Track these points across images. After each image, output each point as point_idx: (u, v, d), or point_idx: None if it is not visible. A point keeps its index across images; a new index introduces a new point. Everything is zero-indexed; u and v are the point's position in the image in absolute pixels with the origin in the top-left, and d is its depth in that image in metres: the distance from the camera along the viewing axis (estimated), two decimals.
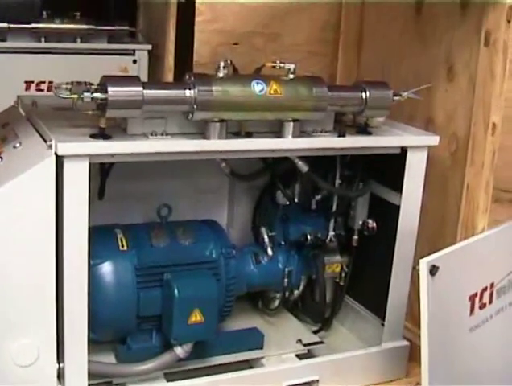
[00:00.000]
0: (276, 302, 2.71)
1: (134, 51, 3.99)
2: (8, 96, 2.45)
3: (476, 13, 2.44)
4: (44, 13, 3.94)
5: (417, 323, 2.02)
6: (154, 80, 3.85)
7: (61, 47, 3.89)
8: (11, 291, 1.92)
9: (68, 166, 1.90)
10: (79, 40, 3.95)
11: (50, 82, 3.74)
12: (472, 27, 2.46)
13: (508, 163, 2.43)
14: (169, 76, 3.80)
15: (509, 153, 2.42)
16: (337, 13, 3.14)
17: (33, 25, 3.87)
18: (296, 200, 2.62)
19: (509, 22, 2.33)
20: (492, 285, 2.19)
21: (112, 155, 2.00)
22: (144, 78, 3.95)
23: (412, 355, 2.55)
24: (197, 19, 2.98)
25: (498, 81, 2.36)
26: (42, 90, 3.79)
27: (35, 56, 3.82)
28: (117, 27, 4.10)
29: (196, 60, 2.99)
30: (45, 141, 1.94)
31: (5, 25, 3.79)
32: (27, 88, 3.80)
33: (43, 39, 3.89)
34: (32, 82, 3.80)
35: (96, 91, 1.95)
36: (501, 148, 2.41)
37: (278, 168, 2.52)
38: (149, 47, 4.01)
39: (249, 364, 2.48)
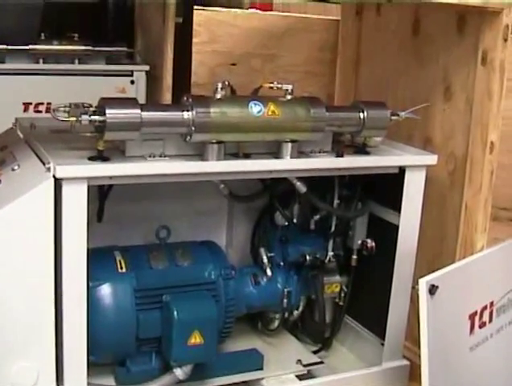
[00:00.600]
0: (276, 323, 2.70)
1: (132, 71, 4.00)
2: (6, 118, 2.45)
3: (473, 32, 2.45)
4: (42, 34, 3.95)
5: (417, 343, 2.01)
6: (153, 101, 3.86)
7: (59, 68, 3.89)
8: (10, 314, 1.92)
9: (66, 188, 1.91)
10: (77, 61, 3.95)
11: (48, 103, 3.75)
12: (469, 47, 2.47)
13: (506, 181, 2.43)
14: (167, 97, 3.81)
15: (507, 171, 2.42)
16: (335, 34, 3.16)
17: (31, 46, 3.88)
18: (295, 221, 2.61)
19: (505, 41, 2.34)
20: (491, 303, 2.19)
21: (110, 177, 2.00)
22: (142, 99, 3.95)
23: (412, 374, 2.54)
24: (195, 40, 3.00)
25: (496, 100, 2.36)
26: (40, 111, 3.80)
27: (34, 78, 3.83)
28: (115, 48, 4.11)
29: (193, 81, 3.00)
30: (43, 164, 1.95)
31: (3, 47, 3.80)
32: (26, 110, 3.80)
33: (41, 61, 3.90)
34: (30, 103, 3.81)
35: (94, 113, 1.96)
36: (499, 166, 2.41)
37: (276, 189, 2.51)
38: (147, 67, 4.02)
39: (248, 385, 2.47)
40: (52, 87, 3.75)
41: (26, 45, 3.87)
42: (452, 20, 2.55)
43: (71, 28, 4.05)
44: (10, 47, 3.83)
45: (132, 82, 3.97)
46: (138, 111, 1.99)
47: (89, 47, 3.99)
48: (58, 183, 1.90)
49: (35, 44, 3.89)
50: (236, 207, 2.70)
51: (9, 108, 3.50)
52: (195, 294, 2.32)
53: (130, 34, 4.39)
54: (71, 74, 3.90)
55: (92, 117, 1.95)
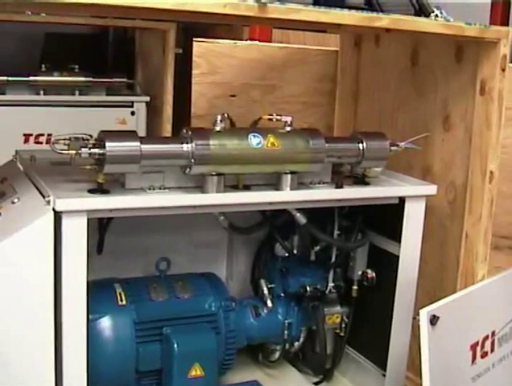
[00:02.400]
0: (276, 354, 2.69)
1: (132, 102, 4.03)
2: (7, 149, 2.45)
3: (471, 62, 2.46)
4: (43, 66, 3.98)
5: (418, 373, 2.00)
6: (153, 132, 3.88)
7: (60, 99, 3.92)
8: (10, 347, 1.90)
9: (66, 221, 1.90)
10: (77, 93, 3.98)
11: (49, 135, 3.77)
12: (467, 77, 2.48)
13: (506, 209, 2.43)
14: (167, 128, 3.82)
15: (506, 200, 2.42)
16: (334, 64, 3.16)
17: (32, 78, 3.91)
18: (295, 252, 2.61)
19: (503, 70, 2.34)
20: (493, 333, 2.18)
21: (110, 210, 2.00)
22: (143, 130, 3.98)
23: None
24: (194, 72, 3.00)
25: (495, 130, 2.37)
26: (41, 143, 3.82)
27: (34, 109, 3.86)
28: (115, 79, 4.15)
29: (193, 112, 3.00)
30: (43, 197, 1.94)
31: (4, 78, 3.83)
32: (26, 141, 3.83)
33: (41, 92, 3.93)
34: (31, 135, 3.83)
35: (94, 146, 1.97)
36: (499, 193, 2.41)
37: (276, 220, 2.51)
38: (147, 98, 4.05)
39: None
40: (53, 118, 3.78)
41: (27, 76, 3.90)
42: (451, 50, 2.56)
43: (71, 59, 4.09)
44: (10, 79, 3.86)
45: (132, 113, 4.00)
46: (138, 144, 1.99)
47: (90, 79, 4.03)
48: (58, 216, 1.90)
49: (36, 76, 3.93)
50: (236, 238, 2.70)
51: (9, 139, 3.53)
52: (195, 327, 2.32)
53: (131, 65, 4.42)
54: (71, 105, 3.94)
55: (92, 150, 1.96)
